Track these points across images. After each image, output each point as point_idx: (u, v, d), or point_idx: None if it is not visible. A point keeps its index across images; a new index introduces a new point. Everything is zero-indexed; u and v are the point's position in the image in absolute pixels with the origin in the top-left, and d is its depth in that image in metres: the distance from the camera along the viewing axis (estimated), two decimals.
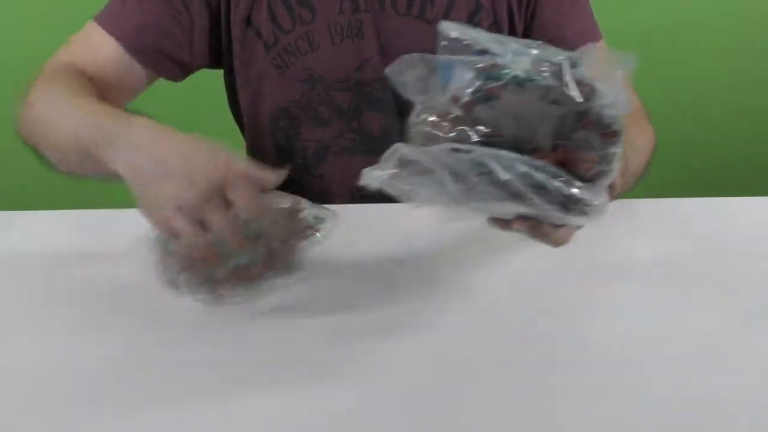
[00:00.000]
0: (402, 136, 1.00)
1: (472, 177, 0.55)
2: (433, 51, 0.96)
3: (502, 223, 0.61)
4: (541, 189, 0.55)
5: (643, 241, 0.84)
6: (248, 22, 0.94)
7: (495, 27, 0.96)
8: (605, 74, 0.54)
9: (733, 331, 0.69)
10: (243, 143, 1.13)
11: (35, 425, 0.59)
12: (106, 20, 0.93)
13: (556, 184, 0.56)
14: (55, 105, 0.80)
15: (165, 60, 0.94)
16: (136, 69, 0.93)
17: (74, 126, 0.74)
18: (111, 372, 0.65)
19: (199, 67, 0.99)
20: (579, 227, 0.64)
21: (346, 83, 0.97)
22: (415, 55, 0.58)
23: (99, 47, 0.92)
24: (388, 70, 0.59)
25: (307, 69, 0.96)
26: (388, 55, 0.95)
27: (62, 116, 0.77)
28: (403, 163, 0.56)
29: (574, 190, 0.57)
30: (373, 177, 0.57)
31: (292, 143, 1.02)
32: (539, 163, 0.56)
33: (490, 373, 0.64)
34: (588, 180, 0.59)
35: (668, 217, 0.91)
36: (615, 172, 0.59)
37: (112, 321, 0.72)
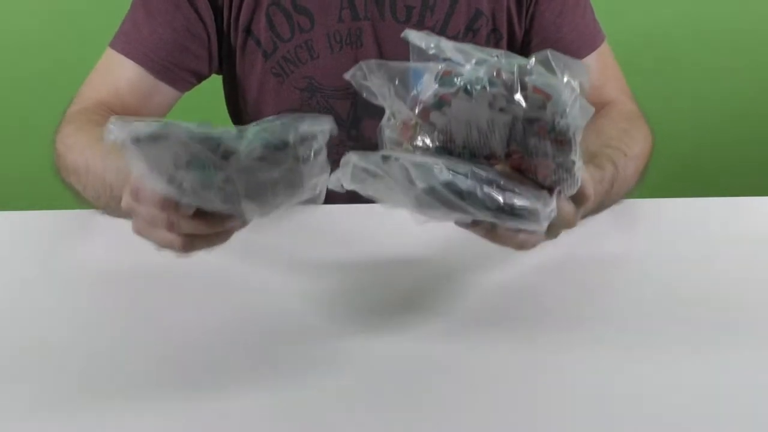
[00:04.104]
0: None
1: (406, 183, 0.56)
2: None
3: (465, 225, 0.60)
4: (470, 195, 0.55)
5: (643, 241, 0.85)
6: (248, 30, 0.95)
7: (494, 33, 0.97)
8: (561, 82, 0.54)
9: (735, 331, 0.70)
10: None
11: (35, 422, 0.59)
12: (122, 45, 0.92)
13: (486, 191, 0.55)
14: (84, 157, 0.80)
15: (186, 74, 0.94)
16: (161, 88, 0.93)
17: (102, 172, 0.76)
18: (110, 371, 0.65)
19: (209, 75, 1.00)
20: (540, 232, 0.61)
21: (345, 92, 0.97)
22: (373, 61, 0.57)
23: (120, 74, 0.92)
24: (348, 75, 0.58)
25: (306, 77, 0.97)
26: None
27: (91, 166, 0.79)
28: (359, 170, 0.57)
29: (508, 197, 0.56)
30: (333, 182, 0.57)
31: None
32: (470, 169, 0.56)
33: (487, 371, 0.65)
34: (548, 187, 0.59)
35: (668, 217, 0.92)
36: (578, 181, 0.59)
37: (112, 321, 0.72)
